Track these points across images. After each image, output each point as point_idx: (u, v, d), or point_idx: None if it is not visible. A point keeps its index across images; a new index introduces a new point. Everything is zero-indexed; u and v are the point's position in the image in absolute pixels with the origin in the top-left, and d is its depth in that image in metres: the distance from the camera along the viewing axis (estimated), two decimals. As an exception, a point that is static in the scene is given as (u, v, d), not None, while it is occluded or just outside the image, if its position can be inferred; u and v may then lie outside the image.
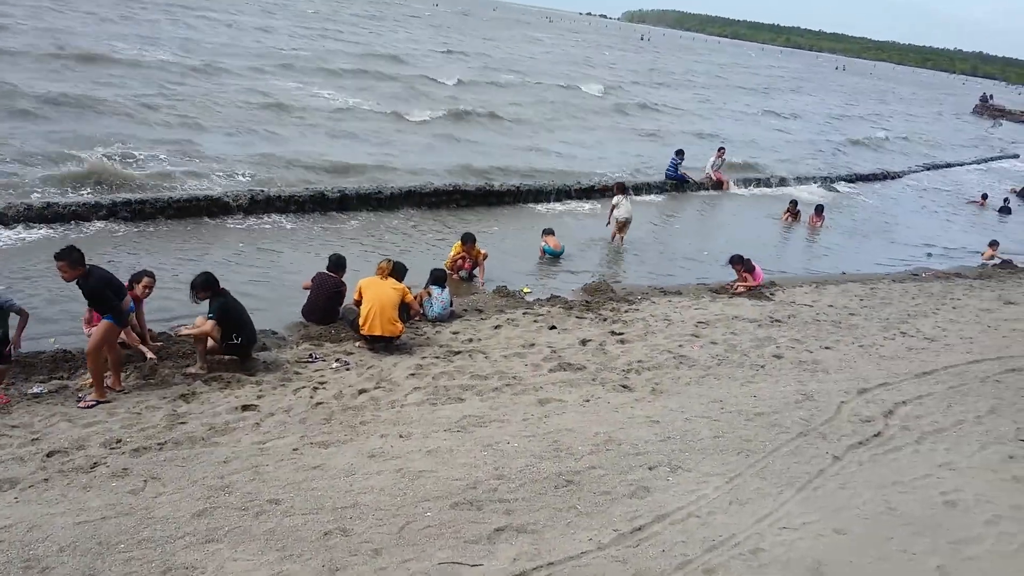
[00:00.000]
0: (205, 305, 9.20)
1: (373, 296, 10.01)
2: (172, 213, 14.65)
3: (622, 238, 17.21)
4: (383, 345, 10.11)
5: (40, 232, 12.94)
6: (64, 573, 5.30)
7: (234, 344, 9.03)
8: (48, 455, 6.86)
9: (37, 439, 7.14)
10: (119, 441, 7.18)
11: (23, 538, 5.63)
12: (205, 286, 9.05)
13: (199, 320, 8.98)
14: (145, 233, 13.71)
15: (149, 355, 9.07)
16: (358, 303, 10.21)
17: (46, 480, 6.47)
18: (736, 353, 10.93)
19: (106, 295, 8.03)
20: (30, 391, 8.11)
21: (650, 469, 7.43)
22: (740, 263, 14.72)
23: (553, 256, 15.61)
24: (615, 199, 17.34)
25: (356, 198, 17.05)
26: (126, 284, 9.00)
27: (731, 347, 11.15)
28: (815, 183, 28.45)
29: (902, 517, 6.91)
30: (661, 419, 8.51)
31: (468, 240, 13.61)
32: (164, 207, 14.61)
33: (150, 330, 9.59)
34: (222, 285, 9.24)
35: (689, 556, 6.09)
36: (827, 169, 31.57)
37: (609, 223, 17.44)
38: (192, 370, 8.87)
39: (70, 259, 7.84)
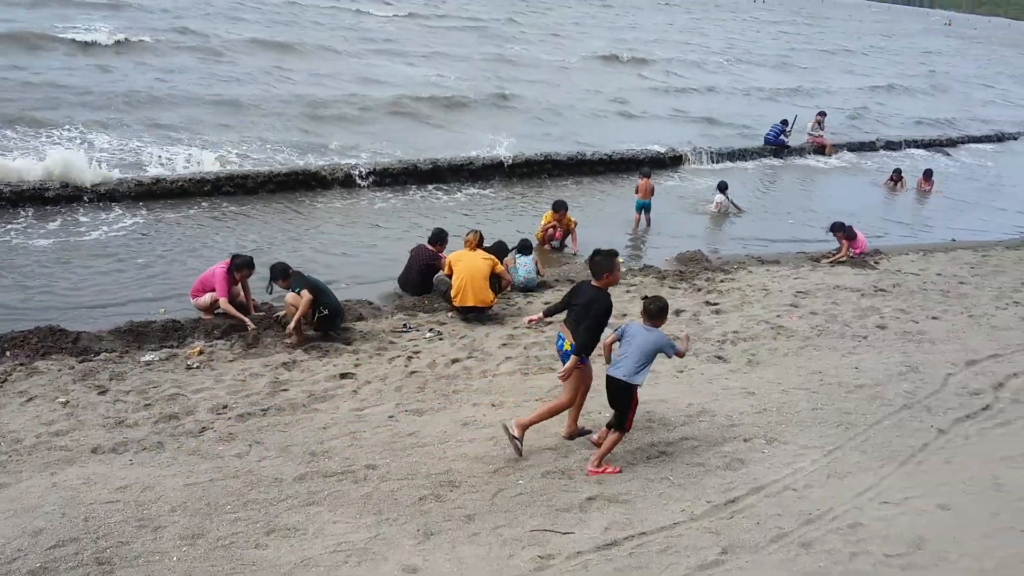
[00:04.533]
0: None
1: (463, 268, 10.12)
2: (272, 188, 15.09)
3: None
4: (475, 316, 10.22)
5: (157, 209, 13.51)
6: (175, 532, 5.58)
7: (324, 316, 9.26)
8: (160, 420, 7.22)
9: (149, 405, 7.51)
10: (225, 407, 7.50)
11: (138, 498, 5.95)
12: (286, 273, 9.47)
13: (290, 297, 9.22)
14: (248, 209, 14.15)
15: (251, 326, 9.42)
16: (450, 275, 10.34)
17: (159, 444, 6.81)
18: (837, 323, 10.62)
19: None
20: (142, 359, 8.53)
21: (745, 441, 7.32)
22: (841, 230, 14.25)
23: (643, 208, 15.35)
24: (716, 196, 17.12)
25: (448, 169, 17.20)
26: (226, 265, 9.56)
27: (832, 317, 10.83)
28: (924, 147, 27.18)
29: (1011, 493, 6.61)
30: (757, 390, 8.36)
31: (560, 208, 13.52)
32: (265, 181, 15.05)
33: (253, 299, 10.01)
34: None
35: (785, 529, 5.99)
36: (936, 132, 30.11)
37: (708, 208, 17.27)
38: (289, 341, 9.16)
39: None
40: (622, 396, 6.58)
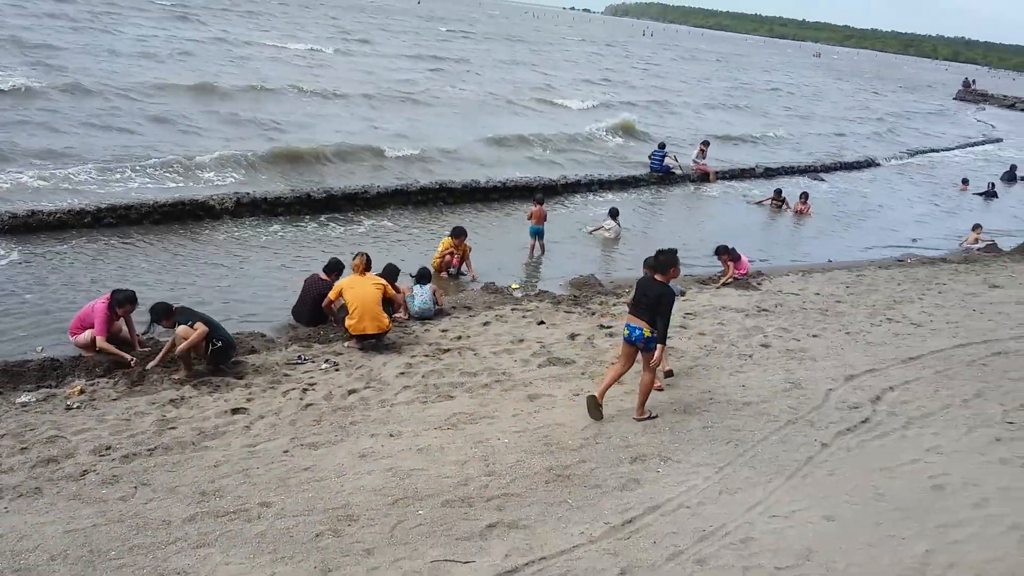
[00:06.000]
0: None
1: (356, 296, 10.00)
2: (158, 218, 14.58)
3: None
4: (372, 343, 10.11)
5: (32, 243, 12.84)
6: (56, 582, 5.30)
7: (218, 349, 9.01)
8: (37, 464, 6.84)
9: (26, 448, 7.11)
10: (108, 448, 7.17)
11: (13, 548, 5.62)
12: (168, 312, 9.14)
13: (181, 330, 8.89)
14: (131, 242, 13.61)
15: (131, 358, 9.07)
16: (332, 302, 10.31)
17: (36, 489, 6.45)
18: (724, 343, 10.98)
19: None
20: (18, 400, 8.08)
21: (641, 461, 7.47)
22: (726, 253, 14.72)
23: (537, 234, 15.54)
24: (606, 222, 17.52)
25: (342, 198, 17.01)
26: (107, 301, 9.21)
27: (719, 337, 11.19)
28: (800, 173, 28.55)
29: (890, 502, 6.97)
30: (650, 411, 8.54)
31: (459, 234, 13.56)
32: (149, 212, 14.53)
33: (138, 335, 9.64)
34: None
35: (680, 547, 6.13)
36: (811, 158, 31.71)
37: (594, 232, 17.62)
38: (179, 376, 8.86)
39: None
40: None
